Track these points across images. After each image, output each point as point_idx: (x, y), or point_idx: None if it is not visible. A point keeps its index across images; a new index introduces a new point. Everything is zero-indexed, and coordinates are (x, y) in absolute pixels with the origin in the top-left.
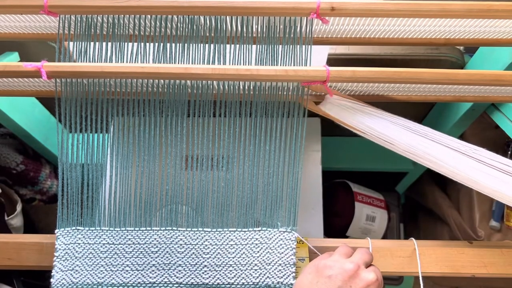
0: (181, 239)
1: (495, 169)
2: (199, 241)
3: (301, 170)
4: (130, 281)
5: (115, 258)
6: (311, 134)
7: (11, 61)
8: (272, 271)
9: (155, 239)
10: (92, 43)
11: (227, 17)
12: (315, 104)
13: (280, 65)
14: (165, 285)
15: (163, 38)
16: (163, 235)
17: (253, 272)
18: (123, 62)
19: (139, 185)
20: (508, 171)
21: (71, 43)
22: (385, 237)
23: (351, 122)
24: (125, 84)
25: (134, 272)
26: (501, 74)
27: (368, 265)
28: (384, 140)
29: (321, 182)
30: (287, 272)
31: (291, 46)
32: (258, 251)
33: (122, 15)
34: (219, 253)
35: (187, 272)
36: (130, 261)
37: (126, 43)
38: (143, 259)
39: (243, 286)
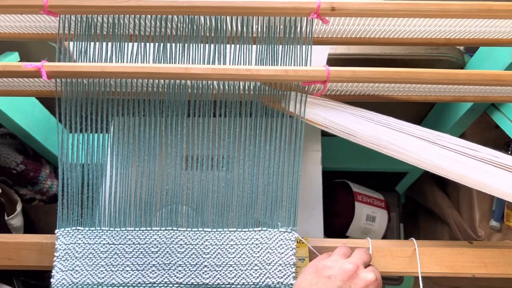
0: (181, 239)
1: (460, 154)
2: (199, 241)
3: (301, 170)
4: (130, 281)
5: (115, 258)
6: (311, 134)
7: (11, 61)
8: (272, 271)
9: (155, 239)
10: (92, 43)
11: (227, 17)
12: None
13: (280, 65)
14: (165, 285)
15: (163, 38)
16: (163, 235)
17: (253, 272)
18: (123, 62)
19: (139, 185)
20: (473, 155)
21: (71, 43)
22: (385, 237)
23: (313, 118)
24: (125, 84)
25: (134, 272)
26: (501, 74)
27: (367, 265)
28: (347, 133)
29: (321, 182)
30: (287, 272)
31: (291, 46)
32: (258, 251)
33: (122, 15)
34: (219, 253)
35: (187, 272)
36: (130, 261)
37: (126, 43)
38: (143, 259)
39: (243, 286)
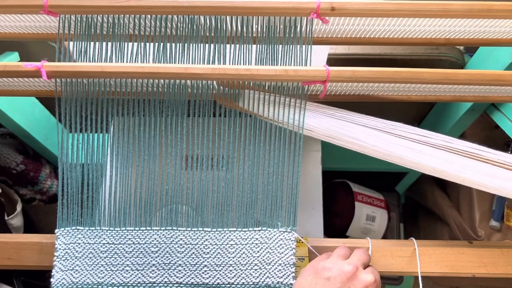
0: (181, 239)
1: (412, 141)
2: (199, 241)
3: (301, 170)
4: (130, 281)
5: (115, 258)
6: None
7: (11, 61)
8: (272, 271)
9: (155, 239)
10: (92, 43)
11: (227, 17)
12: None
13: (280, 65)
14: (165, 285)
15: (163, 38)
16: (163, 235)
17: (253, 272)
18: (123, 62)
19: (139, 185)
20: (425, 141)
21: (71, 43)
22: (385, 237)
23: (267, 114)
24: (125, 84)
25: (134, 272)
26: (501, 74)
27: (366, 266)
28: (304, 128)
29: (321, 182)
30: (287, 272)
31: (291, 46)
32: (258, 251)
33: (122, 15)
34: (219, 253)
35: (187, 272)
36: (130, 261)
37: (126, 43)
38: (143, 259)
39: (243, 286)
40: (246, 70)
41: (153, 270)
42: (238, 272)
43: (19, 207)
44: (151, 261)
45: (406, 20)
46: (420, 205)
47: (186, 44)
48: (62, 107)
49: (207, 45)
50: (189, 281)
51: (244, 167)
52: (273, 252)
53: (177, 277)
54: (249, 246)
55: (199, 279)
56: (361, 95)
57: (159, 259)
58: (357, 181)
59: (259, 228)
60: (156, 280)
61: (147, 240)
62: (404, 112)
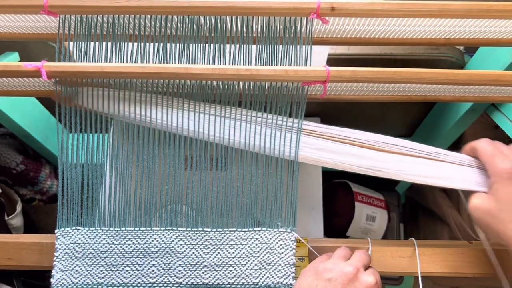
0: (181, 239)
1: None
2: (199, 241)
3: (299, 170)
4: (130, 281)
5: (115, 258)
6: None
7: (11, 61)
8: (272, 271)
9: (155, 239)
10: (92, 43)
11: (227, 17)
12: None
13: (280, 65)
14: (165, 285)
15: (163, 38)
16: (163, 235)
17: (253, 272)
18: (123, 62)
19: (139, 185)
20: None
21: (71, 43)
22: (385, 237)
23: (108, 111)
24: (125, 84)
25: (134, 272)
26: (501, 74)
27: (367, 267)
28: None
29: (321, 182)
30: (287, 272)
31: (291, 46)
32: (258, 251)
33: (122, 15)
34: (219, 253)
35: (187, 272)
36: (130, 261)
37: (126, 43)
38: (143, 259)
39: (243, 286)
40: (246, 70)
41: (153, 270)
42: (238, 272)
43: (19, 207)
44: (151, 261)
45: (406, 20)
46: (420, 205)
47: (186, 44)
48: (62, 107)
49: (207, 45)
50: (189, 281)
51: (244, 167)
52: (273, 252)
53: (177, 277)
54: (249, 246)
55: (199, 279)
56: (361, 95)
57: (159, 259)
58: (357, 181)
59: (259, 228)
60: (156, 280)
61: (147, 240)
62: (404, 112)
